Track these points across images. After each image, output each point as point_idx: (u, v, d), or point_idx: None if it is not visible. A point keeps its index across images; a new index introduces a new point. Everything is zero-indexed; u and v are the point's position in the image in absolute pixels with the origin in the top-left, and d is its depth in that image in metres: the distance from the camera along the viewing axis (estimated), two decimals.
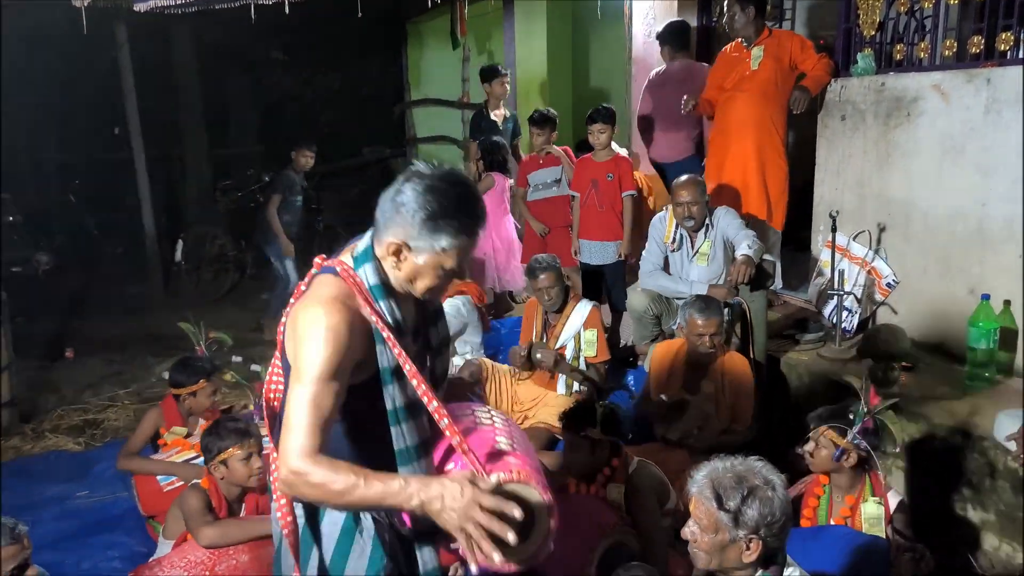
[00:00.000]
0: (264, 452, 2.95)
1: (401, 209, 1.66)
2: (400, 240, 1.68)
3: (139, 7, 4.65)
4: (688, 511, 2.91)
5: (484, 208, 1.74)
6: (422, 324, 1.90)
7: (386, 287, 1.74)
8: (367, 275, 1.73)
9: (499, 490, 1.59)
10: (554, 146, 5.59)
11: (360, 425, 1.75)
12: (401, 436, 1.72)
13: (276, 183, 6.67)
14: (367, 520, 1.80)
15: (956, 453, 3.24)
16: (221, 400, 3.93)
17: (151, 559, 2.99)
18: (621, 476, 3.04)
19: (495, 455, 1.72)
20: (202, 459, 3.37)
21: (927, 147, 3.98)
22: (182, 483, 3.34)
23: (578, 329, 4.17)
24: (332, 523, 1.80)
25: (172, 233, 8.24)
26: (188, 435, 3.60)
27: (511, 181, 5.94)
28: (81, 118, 9.97)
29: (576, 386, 4.16)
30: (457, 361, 4.53)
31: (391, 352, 1.69)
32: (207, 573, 2.73)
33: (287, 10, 4.73)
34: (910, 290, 4.14)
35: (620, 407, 3.22)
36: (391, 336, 1.68)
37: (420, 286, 1.75)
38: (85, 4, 4.12)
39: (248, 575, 2.75)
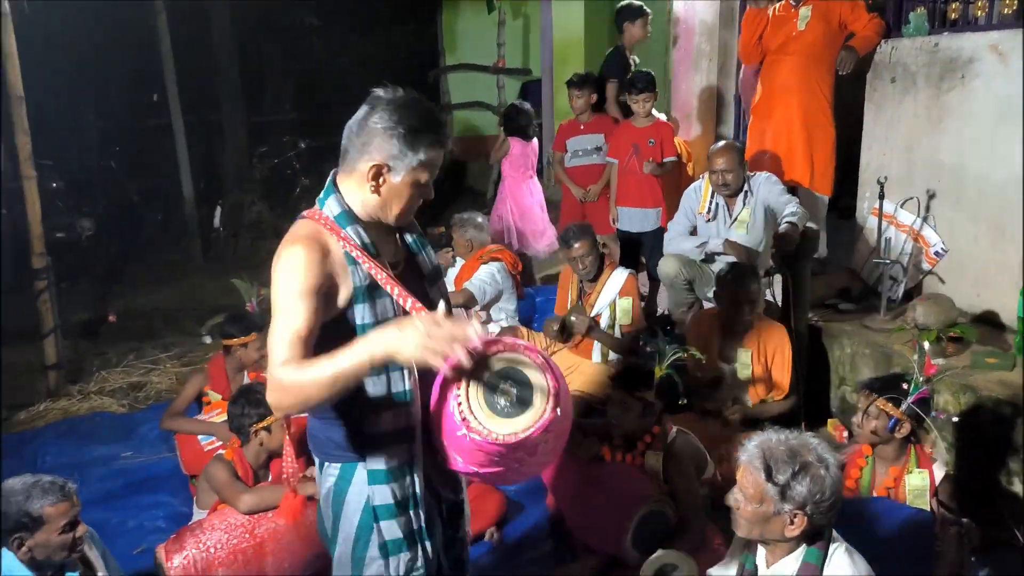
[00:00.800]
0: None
1: (377, 131, 1.73)
2: (379, 161, 1.74)
3: None
4: (725, 481, 2.89)
5: (440, 116, 1.83)
6: (407, 254, 1.93)
7: (350, 214, 1.78)
8: (330, 208, 1.79)
9: (488, 363, 1.61)
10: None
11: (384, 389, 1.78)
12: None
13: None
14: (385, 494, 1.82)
15: (1004, 425, 3.16)
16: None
17: (191, 522, 3.04)
18: (659, 444, 3.02)
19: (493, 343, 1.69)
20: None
21: (982, 110, 3.83)
22: (221, 443, 3.40)
23: (613, 297, 4.12)
24: (357, 496, 1.84)
25: (210, 199, 8.32)
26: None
27: (534, 145, 5.86)
28: (120, 85, 10.07)
29: (611, 355, 4.13)
30: (492, 328, 4.52)
31: (363, 270, 1.74)
32: (247, 535, 2.78)
33: None
34: (959, 259, 4.02)
35: (677, 373, 3.18)
36: (361, 255, 1.73)
37: (395, 207, 1.80)
38: None
39: (287, 538, 2.80)
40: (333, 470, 1.86)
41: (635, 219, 5.04)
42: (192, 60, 8.76)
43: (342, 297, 1.73)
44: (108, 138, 10.04)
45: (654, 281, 5.05)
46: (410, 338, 1.53)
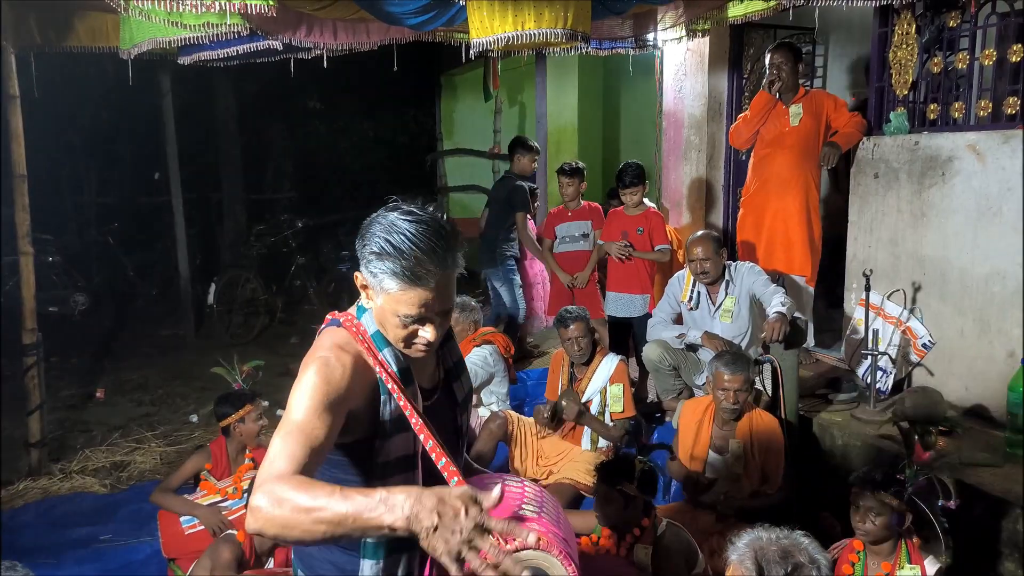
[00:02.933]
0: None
1: (359, 242, 1.60)
2: (361, 276, 1.61)
3: (183, 60, 4.80)
4: (716, 575, 2.83)
5: (441, 250, 1.54)
6: (443, 377, 1.80)
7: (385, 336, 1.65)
8: (368, 323, 1.64)
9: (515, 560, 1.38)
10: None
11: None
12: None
13: (515, 198, 5.96)
14: None
15: (996, 522, 3.13)
16: (268, 426, 3.92)
17: None
18: (649, 537, 2.98)
19: (515, 520, 1.54)
20: (226, 502, 3.39)
21: (963, 207, 3.93)
22: (203, 527, 3.34)
23: (604, 383, 4.13)
24: None
25: (206, 276, 8.37)
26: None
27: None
28: (123, 163, 10.27)
29: (601, 442, 4.11)
30: (483, 412, 4.50)
31: (395, 402, 1.58)
32: None
33: (325, 64, 4.85)
34: (947, 352, 4.05)
35: (658, 466, 3.16)
36: (396, 387, 1.58)
37: (391, 335, 1.62)
38: (132, 56, 4.26)
39: None
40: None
41: (623, 304, 5.11)
42: (195, 139, 8.98)
43: (364, 426, 1.58)
44: (107, 214, 10.18)
45: (643, 367, 5.08)
46: (444, 537, 1.24)
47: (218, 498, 3.47)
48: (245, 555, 2.91)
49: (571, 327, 4.12)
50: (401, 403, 1.58)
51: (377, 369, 1.59)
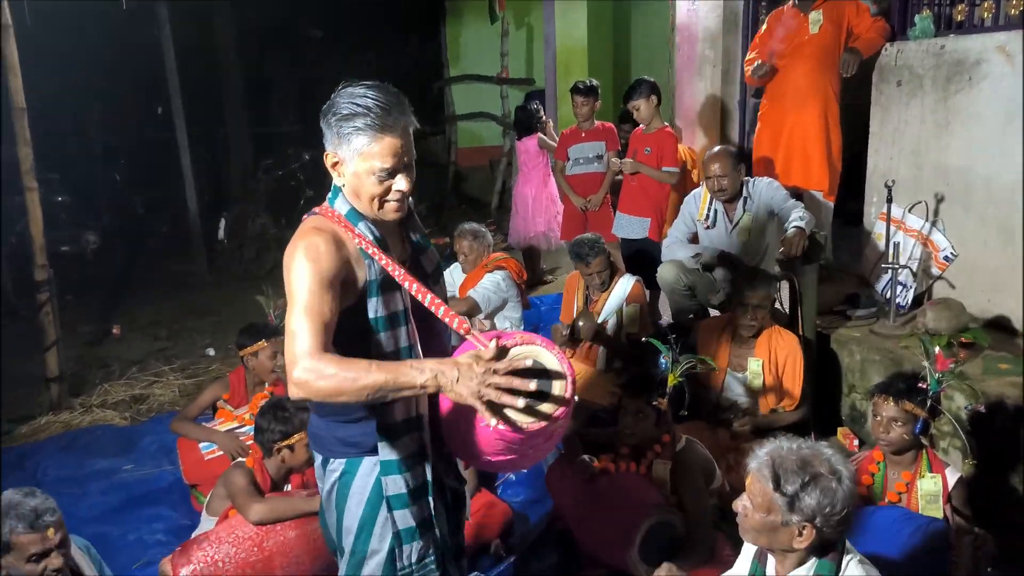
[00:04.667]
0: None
1: (324, 118, 1.74)
2: (329, 151, 1.76)
3: None
4: (734, 491, 2.83)
5: (400, 103, 1.73)
6: (412, 252, 1.93)
7: (358, 212, 1.79)
8: (340, 206, 1.80)
9: (505, 352, 1.64)
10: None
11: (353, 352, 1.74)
12: (379, 344, 1.77)
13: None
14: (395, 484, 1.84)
15: (1017, 432, 3.10)
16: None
17: (196, 533, 2.99)
18: (669, 454, 2.97)
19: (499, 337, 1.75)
20: (243, 428, 3.40)
21: (990, 112, 3.78)
22: (222, 452, 3.38)
23: (620, 304, 4.08)
24: (361, 488, 1.85)
25: (215, 212, 8.32)
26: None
27: (541, 137, 6.08)
28: (125, 99, 10.11)
29: (615, 364, 4.09)
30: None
31: (377, 264, 1.75)
32: (255, 548, 2.72)
33: None
34: (969, 264, 3.96)
35: (687, 382, 3.13)
36: (375, 250, 1.74)
37: (364, 199, 1.77)
38: None
39: (296, 551, 2.75)
40: (337, 466, 1.87)
41: (628, 226, 5.02)
42: (196, 72, 8.78)
43: (356, 290, 1.75)
44: (112, 152, 10.09)
45: (656, 289, 5.01)
46: (466, 384, 1.56)
47: (235, 424, 3.51)
48: (258, 482, 2.92)
49: (591, 263, 4.05)
50: (383, 262, 1.74)
51: (356, 240, 1.75)
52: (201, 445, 3.51)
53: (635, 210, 4.99)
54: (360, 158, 1.72)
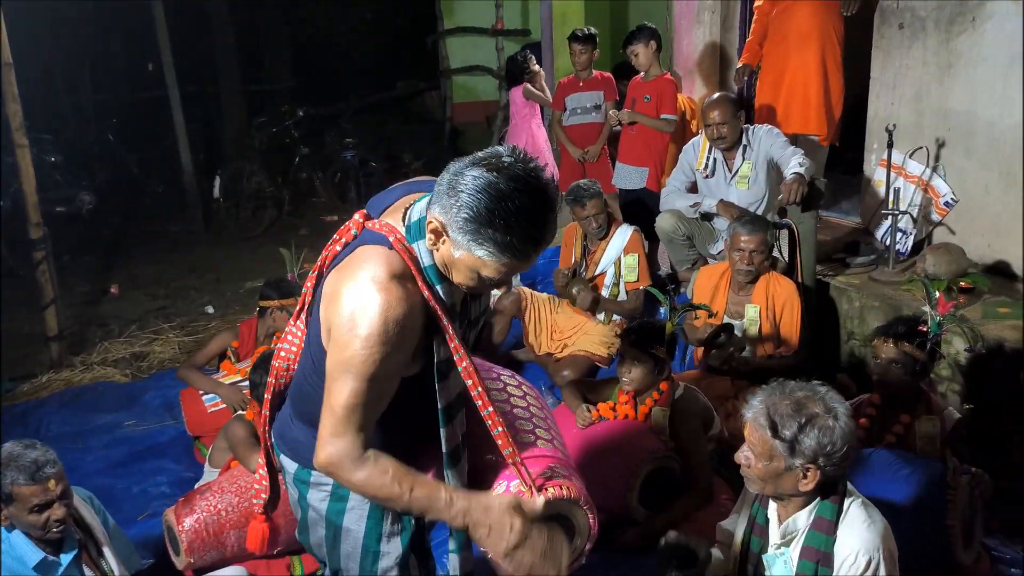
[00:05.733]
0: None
1: (454, 193, 1.41)
2: (441, 222, 1.44)
3: None
4: (733, 437, 2.85)
5: (547, 232, 1.44)
6: (465, 299, 1.72)
7: (439, 271, 1.53)
8: (422, 253, 1.51)
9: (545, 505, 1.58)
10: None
11: (399, 416, 1.61)
12: (446, 437, 1.62)
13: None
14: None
15: (1015, 375, 3.11)
16: None
17: (199, 484, 3.02)
18: (666, 401, 2.98)
19: (539, 459, 1.71)
20: (245, 382, 3.41)
21: (993, 55, 3.72)
22: (224, 405, 3.39)
23: (618, 254, 4.07)
24: (360, 501, 1.68)
25: (210, 170, 8.24)
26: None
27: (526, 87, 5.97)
28: (115, 57, 9.95)
29: (615, 315, 4.09)
30: (495, 291, 4.47)
31: (447, 344, 1.53)
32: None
33: None
34: (970, 209, 3.94)
35: (683, 330, 3.13)
36: (449, 326, 1.52)
37: (455, 278, 1.52)
38: None
39: None
40: (325, 479, 1.65)
41: (627, 176, 4.98)
42: (187, 28, 8.64)
43: (417, 365, 1.55)
44: (105, 111, 9.95)
45: (655, 240, 4.99)
46: (495, 543, 1.50)
47: (238, 378, 3.51)
48: (258, 432, 2.93)
49: (587, 205, 4.01)
50: (452, 345, 1.54)
51: (432, 305, 1.51)
52: (204, 398, 3.52)
53: (634, 160, 4.93)
54: (471, 260, 1.44)
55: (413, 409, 1.63)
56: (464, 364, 1.54)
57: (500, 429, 1.59)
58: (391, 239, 1.51)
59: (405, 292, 1.45)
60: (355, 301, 1.44)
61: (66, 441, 3.74)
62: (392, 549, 1.71)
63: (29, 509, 2.11)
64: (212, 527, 2.67)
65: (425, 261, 1.51)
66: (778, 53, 4.52)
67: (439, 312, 1.50)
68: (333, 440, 1.48)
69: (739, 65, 4.91)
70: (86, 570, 2.28)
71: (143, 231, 8.00)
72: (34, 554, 2.17)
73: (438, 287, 1.51)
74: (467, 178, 1.40)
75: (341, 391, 1.46)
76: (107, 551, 2.33)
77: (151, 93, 9.38)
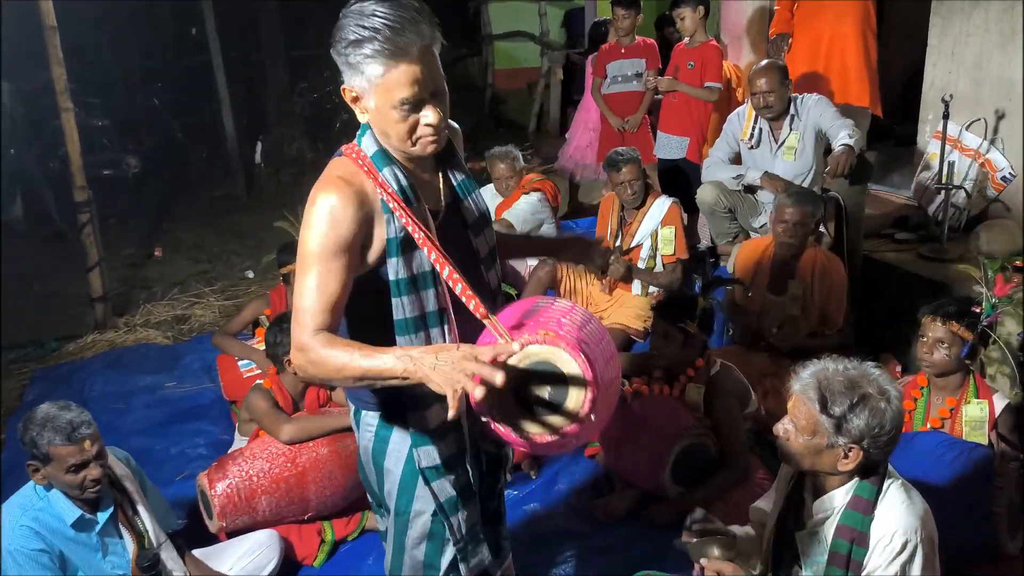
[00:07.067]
0: None
1: (333, 47, 1.50)
2: (347, 84, 1.54)
3: None
4: (770, 415, 2.78)
5: (415, 20, 1.46)
6: (452, 199, 1.72)
7: (386, 154, 1.60)
8: (367, 146, 1.61)
9: (522, 352, 1.42)
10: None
11: (374, 318, 1.63)
12: (401, 307, 1.61)
13: None
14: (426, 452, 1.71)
15: None
16: None
17: (232, 450, 3.06)
18: (703, 377, 2.93)
19: (533, 324, 1.50)
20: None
21: None
22: (259, 371, 3.42)
23: (656, 226, 3.99)
24: (398, 448, 1.73)
25: (252, 136, 8.30)
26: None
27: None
28: (159, 22, 10.02)
29: (652, 288, 4.02)
30: (532, 262, 4.42)
31: (397, 221, 1.57)
32: (289, 464, 2.77)
33: None
34: None
35: (719, 304, 3.06)
36: (398, 205, 1.56)
37: (393, 136, 1.55)
38: None
39: (328, 466, 2.79)
40: (371, 420, 1.74)
41: (667, 145, 4.87)
42: None
43: (375, 249, 1.59)
44: (151, 77, 10.05)
45: (695, 212, 4.88)
46: (441, 371, 1.37)
47: None
48: (279, 401, 2.94)
49: (623, 170, 3.93)
50: (403, 221, 1.56)
51: (379, 191, 1.57)
52: (240, 363, 3.56)
53: (675, 129, 4.82)
54: (377, 91, 1.50)
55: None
56: (418, 234, 1.56)
57: (460, 286, 1.51)
58: (343, 148, 1.63)
59: (344, 184, 1.54)
60: (308, 205, 1.55)
61: (109, 401, 3.83)
62: (426, 494, 1.72)
63: (66, 469, 2.15)
64: (244, 492, 2.70)
65: (369, 150, 1.60)
66: (812, 23, 4.35)
67: (385, 194, 1.56)
68: (295, 341, 1.53)
69: (774, 34, 4.64)
70: (122, 528, 2.32)
71: (187, 196, 8.11)
72: (72, 512, 2.22)
73: (384, 171, 1.58)
74: (342, 23, 1.49)
75: (299, 285, 1.54)
76: (142, 510, 2.37)
77: (196, 59, 9.44)
